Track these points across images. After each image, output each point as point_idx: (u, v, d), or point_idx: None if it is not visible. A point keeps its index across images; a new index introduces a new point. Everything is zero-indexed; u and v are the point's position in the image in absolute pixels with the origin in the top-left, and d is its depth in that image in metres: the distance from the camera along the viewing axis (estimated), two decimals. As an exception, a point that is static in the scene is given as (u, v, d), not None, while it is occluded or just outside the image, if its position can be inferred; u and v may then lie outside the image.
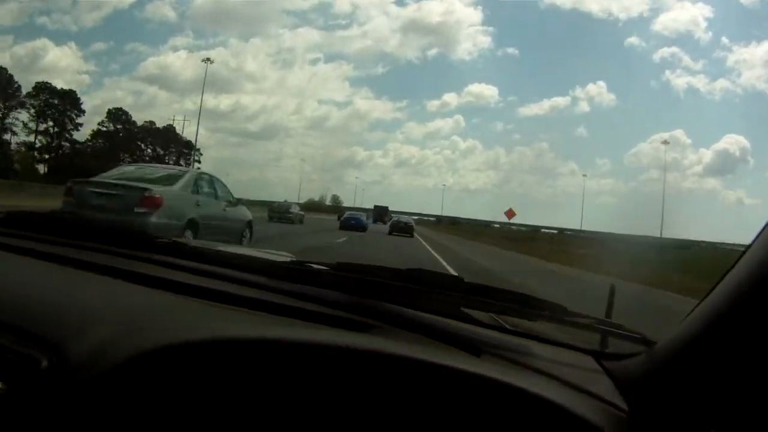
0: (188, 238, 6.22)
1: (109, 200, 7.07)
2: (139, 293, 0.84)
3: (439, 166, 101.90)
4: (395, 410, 0.61)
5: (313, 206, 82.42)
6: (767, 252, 0.55)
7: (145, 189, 7.20)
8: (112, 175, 8.05)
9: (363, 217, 34.79)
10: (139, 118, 55.22)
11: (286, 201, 33.13)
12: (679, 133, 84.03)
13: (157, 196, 7.22)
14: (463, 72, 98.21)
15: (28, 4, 68.48)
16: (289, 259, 1.17)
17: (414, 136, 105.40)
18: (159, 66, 78.31)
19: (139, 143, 52.44)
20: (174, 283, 0.89)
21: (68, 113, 49.33)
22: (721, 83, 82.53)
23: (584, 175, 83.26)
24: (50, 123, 48.61)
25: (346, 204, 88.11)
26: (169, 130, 55.30)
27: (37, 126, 48.49)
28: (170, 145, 55.10)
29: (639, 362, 0.70)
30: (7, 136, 46.49)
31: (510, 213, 36.03)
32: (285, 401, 0.62)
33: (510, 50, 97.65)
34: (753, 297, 0.54)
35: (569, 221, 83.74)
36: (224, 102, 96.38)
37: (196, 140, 54.25)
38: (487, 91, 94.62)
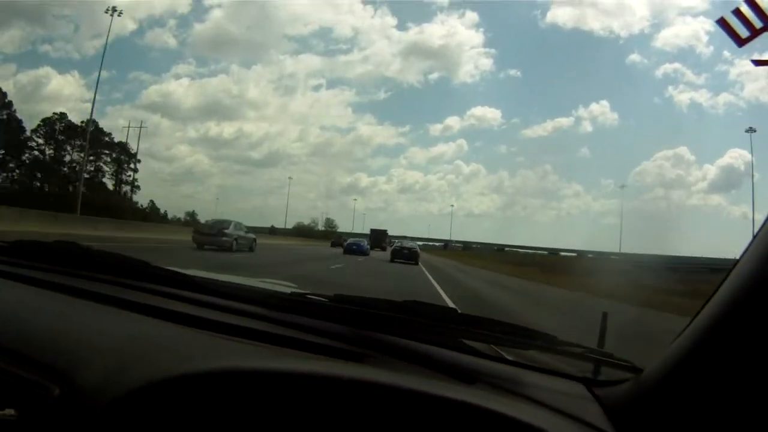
0: (234, 245, 19.62)
1: (210, 232, 20.14)
2: (143, 323, 0.87)
3: (443, 191, 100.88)
4: None
5: (302, 231, 76.90)
6: (747, 277, 0.54)
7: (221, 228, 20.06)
8: (208, 223, 22.17)
9: (364, 242, 35.52)
10: (142, 147, 51.56)
11: (220, 219, 22.47)
12: (683, 150, 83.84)
13: (225, 230, 20.19)
14: (466, 95, 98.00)
15: (31, 32, 70.52)
16: (289, 290, 1.17)
17: (417, 161, 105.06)
18: (161, 94, 78.90)
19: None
20: (177, 314, 0.92)
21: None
22: (724, 97, 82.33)
23: (622, 186, 77.07)
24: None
25: (342, 229, 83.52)
26: (101, 133, 47.31)
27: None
28: (98, 149, 46.86)
29: (627, 389, 0.71)
30: None
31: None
32: (286, 429, 0.64)
33: (512, 72, 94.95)
34: (734, 323, 0.54)
35: (574, 243, 79.33)
36: (227, 130, 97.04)
37: (135, 140, 47.22)
38: (489, 114, 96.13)
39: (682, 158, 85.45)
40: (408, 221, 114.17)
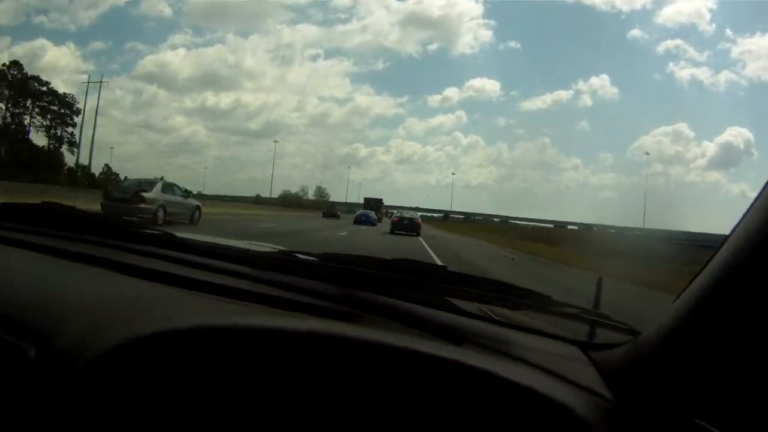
0: (160, 216, 13.08)
1: (123, 198, 13.80)
2: (125, 283, 0.86)
3: (441, 162, 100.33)
4: (378, 398, 0.62)
5: (288, 200, 71.70)
6: (744, 239, 0.54)
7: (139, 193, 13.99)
8: (123, 185, 16.44)
9: (373, 214, 36.15)
10: (138, 118, 52.44)
11: (142, 179, 15.79)
12: (682, 127, 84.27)
13: (144, 196, 13.90)
14: (465, 66, 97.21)
15: (25, 3, 68.79)
16: (275, 250, 1.15)
17: (416, 132, 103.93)
18: (157, 64, 78.53)
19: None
20: (160, 273, 0.89)
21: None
22: (726, 75, 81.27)
23: (647, 153, 77.82)
24: None
25: (335, 199, 78.75)
26: (25, 80, 39.06)
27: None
28: (30, 99, 39.75)
29: (624, 352, 0.69)
30: None
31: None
32: (269, 389, 0.63)
33: (512, 44, 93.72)
34: (732, 285, 0.54)
35: (573, 216, 76.74)
36: (224, 100, 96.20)
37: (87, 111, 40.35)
38: (488, 86, 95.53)
39: (681, 134, 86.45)
40: (405, 192, 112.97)
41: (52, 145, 41.36)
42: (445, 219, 76.87)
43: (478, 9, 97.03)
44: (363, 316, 0.79)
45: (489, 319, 0.85)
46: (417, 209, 55.40)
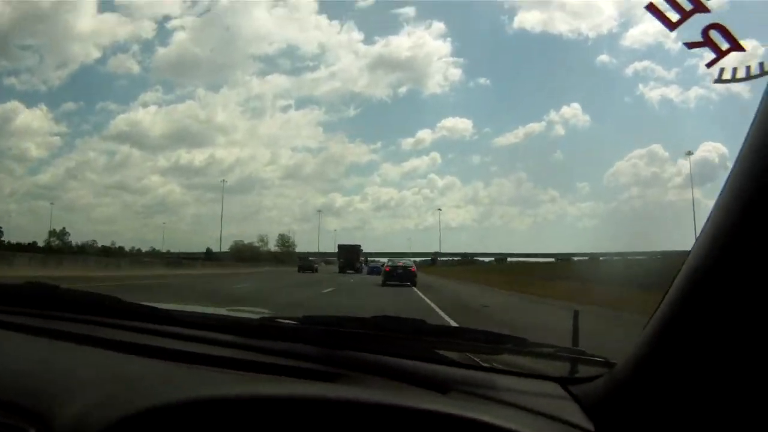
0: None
1: None
2: (117, 360, 0.88)
3: (418, 206, 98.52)
4: None
5: (242, 253, 62.69)
6: (702, 260, 0.55)
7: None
8: None
9: (379, 265, 32.48)
10: (112, 180, 48.24)
11: None
12: (656, 148, 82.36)
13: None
14: (436, 106, 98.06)
15: None
16: (258, 316, 1.16)
17: (391, 178, 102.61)
18: (129, 123, 78.80)
19: None
20: (149, 348, 0.91)
21: None
22: (695, 91, 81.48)
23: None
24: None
25: (303, 249, 71.79)
26: None
27: None
28: None
29: (601, 385, 0.71)
30: None
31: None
32: None
33: (481, 80, 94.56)
34: (695, 307, 0.55)
35: (554, 248, 73.85)
36: (198, 157, 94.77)
37: None
38: (461, 124, 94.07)
39: (656, 155, 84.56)
40: (386, 239, 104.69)
41: None
42: (433, 263, 69.40)
43: (446, 47, 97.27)
44: (348, 375, 0.79)
45: (471, 366, 0.86)
46: (399, 255, 45.86)
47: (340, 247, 47.58)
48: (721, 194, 0.55)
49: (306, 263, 40.05)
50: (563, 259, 59.00)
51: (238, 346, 0.92)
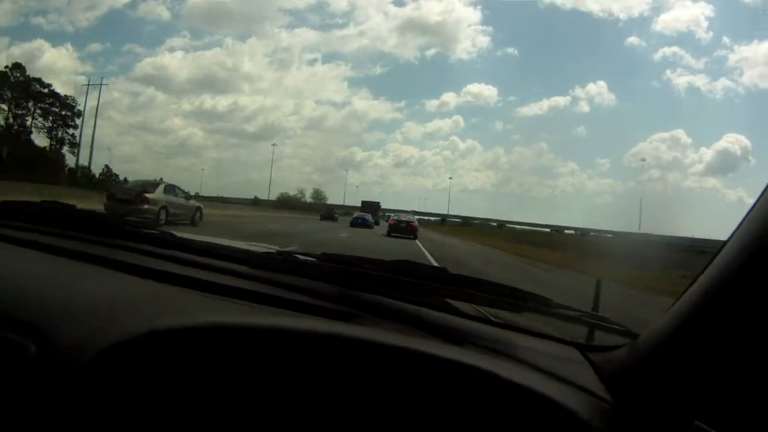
0: (162, 217, 13.40)
1: (126, 198, 13.82)
2: (125, 281, 0.87)
3: (438, 166, 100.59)
4: (377, 397, 0.62)
5: (286, 203, 72.10)
6: (742, 246, 0.55)
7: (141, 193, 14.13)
8: (125, 186, 17.45)
9: (369, 217, 35.81)
10: (135, 120, 51.71)
11: (144, 180, 16.13)
12: (679, 133, 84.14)
13: (146, 197, 13.95)
14: (462, 72, 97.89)
15: (24, 4, 69.51)
16: (275, 250, 1.16)
17: (413, 137, 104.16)
18: (155, 67, 78.00)
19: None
20: (160, 272, 0.90)
21: None
22: (723, 82, 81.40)
23: (643, 160, 78.12)
24: None
25: (332, 202, 78.90)
26: (27, 82, 39.11)
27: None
28: (32, 101, 39.80)
29: (622, 355, 0.69)
30: None
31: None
32: (268, 388, 0.63)
33: (509, 50, 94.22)
34: (730, 289, 0.55)
35: (568, 221, 75.21)
36: (221, 103, 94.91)
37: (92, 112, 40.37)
38: (486, 91, 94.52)
39: (678, 141, 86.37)
40: (403, 195, 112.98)
41: (53, 146, 41.55)
42: (443, 223, 77.03)
43: (476, 15, 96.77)
44: (363, 317, 0.78)
45: (489, 321, 0.85)
46: (414, 213, 55.35)
47: (363, 202, 56.51)
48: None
49: (327, 213, 44.89)
50: (557, 230, 65.81)
51: (253, 277, 0.91)
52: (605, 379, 0.68)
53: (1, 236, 1.05)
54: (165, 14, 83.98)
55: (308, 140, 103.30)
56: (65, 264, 0.94)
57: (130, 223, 1.17)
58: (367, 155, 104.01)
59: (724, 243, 0.58)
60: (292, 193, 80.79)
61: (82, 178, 39.83)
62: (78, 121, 42.51)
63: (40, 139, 41.09)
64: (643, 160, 76.44)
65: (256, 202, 68.94)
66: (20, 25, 66.94)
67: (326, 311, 0.79)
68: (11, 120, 37.37)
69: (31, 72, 51.41)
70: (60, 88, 51.33)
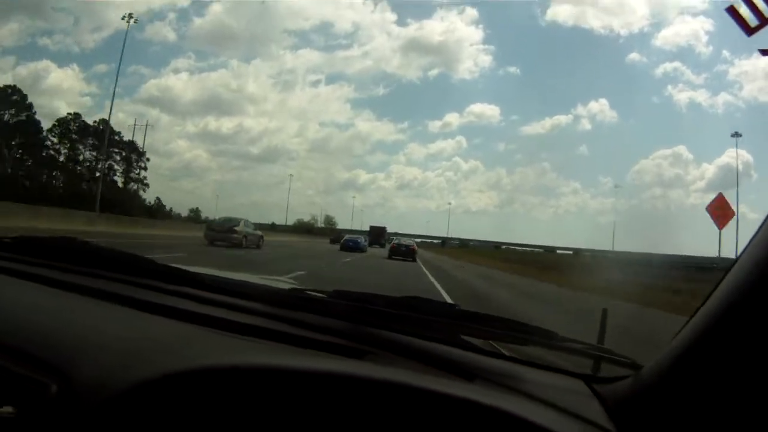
0: (244, 242, 21.07)
1: (221, 228, 21.67)
2: (143, 320, 0.87)
3: (441, 188, 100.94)
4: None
5: (302, 228, 77.64)
6: (748, 272, 0.54)
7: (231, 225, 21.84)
8: (219, 221, 23.83)
9: (361, 239, 35.14)
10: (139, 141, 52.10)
11: (230, 217, 23.50)
12: (681, 149, 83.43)
13: (235, 227, 21.62)
14: (465, 91, 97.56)
15: (31, 25, 70.38)
16: (288, 287, 1.19)
17: (416, 158, 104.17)
18: (160, 88, 78.37)
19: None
20: (177, 310, 0.91)
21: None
22: (723, 97, 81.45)
23: (616, 186, 79.12)
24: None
25: (341, 226, 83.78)
26: (102, 130, 47.09)
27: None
28: (110, 148, 47.69)
29: (627, 386, 0.70)
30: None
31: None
32: (287, 425, 0.63)
33: (511, 69, 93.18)
34: (732, 320, 0.54)
35: (572, 241, 78.06)
36: (226, 125, 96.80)
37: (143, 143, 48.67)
38: (488, 111, 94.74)
39: (680, 157, 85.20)
40: (406, 217, 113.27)
41: (126, 184, 49.44)
42: (443, 245, 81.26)
43: (478, 35, 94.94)
44: (375, 353, 0.80)
45: (498, 355, 0.87)
46: (417, 236, 61.36)
47: (371, 227, 62.36)
48: None
49: (336, 237, 49.80)
50: (549, 250, 70.20)
51: (266, 315, 0.92)
52: (610, 410, 0.69)
53: (19, 272, 1.05)
54: (171, 36, 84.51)
55: (312, 162, 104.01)
56: (83, 301, 0.94)
57: (146, 259, 1.16)
58: (370, 177, 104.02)
59: (729, 269, 0.58)
60: (306, 218, 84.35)
61: (157, 210, 47.02)
62: (141, 162, 49.96)
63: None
64: (617, 186, 77.29)
65: (273, 227, 72.07)
66: (27, 45, 68.94)
67: (340, 348, 0.80)
68: (102, 165, 44.79)
69: (38, 92, 57.84)
70: (66, 109, 57.17)
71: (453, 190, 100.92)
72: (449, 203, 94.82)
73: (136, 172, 50.57)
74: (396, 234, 58.40)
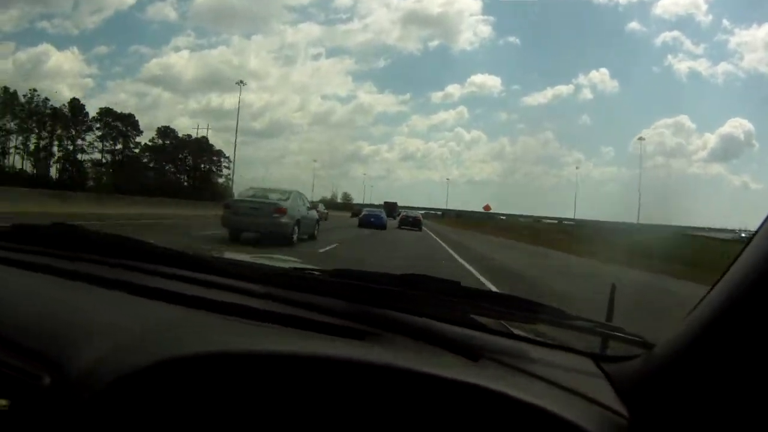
0: (295, 235, 11.51)
1: (255, 210, 11.49)
2: (139, 305, 0.85)
3: (444, 158, 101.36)
4: (392, 417, 0.63)
5: (327, 203, 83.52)
6: (764, 249, 0.54)
7: (277, 203, 11.77)
8: (248, 195, 12.65)
9: (382, 213, 31.95)
10: (142, 121, 57.25)
11: (270, 189, 15.10)
12: (683, 119, 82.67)
13: (283, 206, 11.70)
14: (466, 63, 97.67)
15: (30, 10, 68.62)
16: (289, 266, 1.17)
17: (418, 129, 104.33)
18: (162, 67, 78.11)
19: (180, 155, 58.42)
20: (172, 293, 0.89)
21: (128, 133, 55.49)
22: (724, 67, 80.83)
23: (641, 138, 76.99)
24: (111, 142, 54.90)
25: (355, 201, 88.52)
26: (202, 141, 59.96)
27: (103, 146, 54.42)
28: (203, 155, 59.92)
29: (638, 366, 0.69)
30: (79, 156, 52.85)
31: (487, 207, 44.51)
32: (286, 412, 0.64)
33: (511, 39, 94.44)
34: (751, 297, 0.53)
35: (576, 211, 78.45)
36: (228, 101, 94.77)
37: (235, 155, 58.94)
38: (490, 81, 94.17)
39: (682, 126, 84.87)
40: (410, 188, 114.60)
41: (216, 182, 61.65)
42: (443, 216, 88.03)
43: (477, 5, 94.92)
44: (377, 334, 0.79)
45: (503, 334, 0.86)
46: (420, 208, 71.51)
47: (385, 203, 71.33)
48: None
49: (357, 211, 55.94)
50: (537, 220, 76.51)
51: (266, 296, 0.91)
52: (620, 391, 0.67)
53: (11, 261, 1.03)
54: (172, 15, 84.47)
55: (314, 135, 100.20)
56: (75, 287, 0.92)
57: (141, 242, 1.13)
58: (373, 149, 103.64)
59: (746, 244, 0.57)
60: (328, 196, 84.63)
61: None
62: (224, 163, 61.40)
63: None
64: (641, 138, 74.04)
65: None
66: (25, 30, 69.45)
67: (342, 329, 0.79)
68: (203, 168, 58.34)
69: (38, 75, 61.10)
70: (67, 92, 60.73)
71: (456, 160, 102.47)
72: (447, 179, 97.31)
73: (223, 173, 62.13)
74: (403, 207, 65.70)
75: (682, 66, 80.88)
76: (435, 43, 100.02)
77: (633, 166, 76.65)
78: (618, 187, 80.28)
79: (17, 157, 49.50)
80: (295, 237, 11.94)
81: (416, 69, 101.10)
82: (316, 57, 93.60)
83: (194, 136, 60.93)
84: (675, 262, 13.27)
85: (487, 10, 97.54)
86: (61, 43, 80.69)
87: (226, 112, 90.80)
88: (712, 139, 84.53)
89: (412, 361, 0.66)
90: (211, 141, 63.97)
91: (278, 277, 1.02)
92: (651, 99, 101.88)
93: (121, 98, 74.82)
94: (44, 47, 65.78)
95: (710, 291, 0.59)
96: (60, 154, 51.65)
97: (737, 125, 78.16)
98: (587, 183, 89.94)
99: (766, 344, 0.50)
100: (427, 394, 0.62)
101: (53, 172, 50.59)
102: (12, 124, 48.05)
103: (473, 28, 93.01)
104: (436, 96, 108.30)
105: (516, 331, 0.88)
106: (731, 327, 0.54)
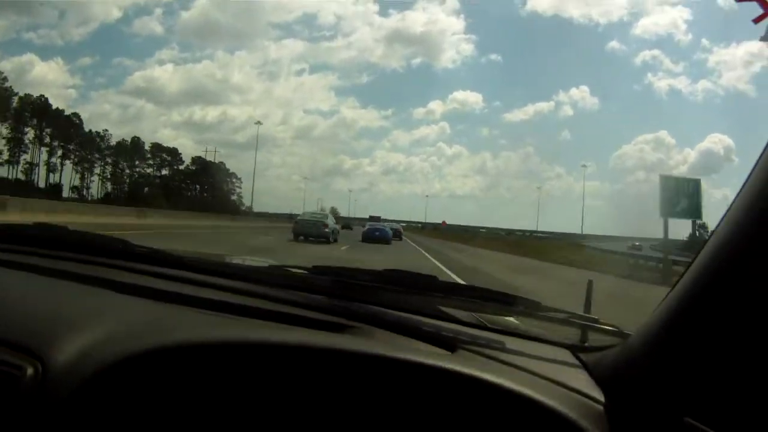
0: (332, 236, 22.17)
1: (311, 224, 22.10)
2: (119, 301, 0.87)
3: (425, 172, 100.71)
4: (373, 406, 0.64)
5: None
6: (724, 242, 0.56)
7: (322, 220, 22.80)
8: (307, 216, 23.97)
9: (386, 227, 30.52)
10: (124, 131, 65.64)
11: (317, 212, 27.43)
12: (663, 134, 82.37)
13: (327, 222, 22.65)
14: (448, 80, 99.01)
15: (16, 20, 71.70)
16: (267, 264, 1.18)
17: (401, 144, 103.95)
18: (146, 79, 79.34)
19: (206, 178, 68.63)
20: (153, 290, 0.90)
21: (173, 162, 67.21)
22: (703, 84, 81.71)
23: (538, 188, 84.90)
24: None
25: (341, 214, 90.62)
26: (220, 167, 70.25)
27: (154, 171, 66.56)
28: (224, 177, 69.91)
29: (614, 354, 0.70)
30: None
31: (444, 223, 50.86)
32: (264, 402, 0.65)
33: (493, 57, 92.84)
34: (716, 285, 0.55)
35: (558, 225, 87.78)
36: (211, 114, 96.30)
37: (253, 182, 66.84)
38: (471, 98, 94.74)
39: (662, 142, 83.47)
40: (392, 202, 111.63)
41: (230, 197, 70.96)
42: (423, 228, 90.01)
43: (460, 24, 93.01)
44: (355, 327, 0.80)
45: (480, 326, 0.87)
46: (402, 221, 77.33)
47: (370, 216, 75.05)
48: (749, 178, 0.54)
49: (345, 224, 59.36)
50: (508, 232, 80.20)
51: (246, 292, 0.91)
52: (598, 380, 0.69)
53: None
54: (158, 29, 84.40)
55: (297, 149, 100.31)
56: (58, 285, 0.94)
57: (121, 241, 1.15)
58: (355, 163, 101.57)
59: (707, 238, 0.59)
60: (317, 210, 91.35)
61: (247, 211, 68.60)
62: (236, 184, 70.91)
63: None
64: (584, 165, 77.46)
65: (291, 218, 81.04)
66: (11, 40, 68.34)
67: (321, 323, 0.79)
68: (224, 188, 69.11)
69: (22, 85, 66.41)
70: (52, 101, 60.26)
71: (438, 174, 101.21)
72: (426, 196, 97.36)
73: (236, 190, 71.66)
74: (386, 220, 68.49)
75: (662, 84, 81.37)
76: (418, 60, 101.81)
77: (615, 181, 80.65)
78: (599, 202, 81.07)
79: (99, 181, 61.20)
80: (331, 239, 22.42)
81: (399, 85, 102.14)
82: (299, 72, 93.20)
83: (203, 156, 69.74)
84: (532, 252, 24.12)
85: (469, 29, 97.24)
86: (46, 53, 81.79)
87: (209, 125, 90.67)
88: (692, 155, 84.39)
89: (391, 350, 0.69)
90: (196, 154, 70.84)
91: (258, 274, 1.05)
92: (631, 115, 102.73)
93: (105, 109, 75.94)
94: (29, 57, 67.16)
95: (677, 282, 0.62)
96: (128, 180, 63.66)
97: (717, 141, 77.79)
98: (569, 197, 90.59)
99: (732, 330, 0.53)
100: (405, 381, 0.65)
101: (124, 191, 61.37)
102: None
103: (456, 46, 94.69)
104: (418, 112, 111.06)
105: (493, 324, 0.92)
106: (698, 314, 0.57)
